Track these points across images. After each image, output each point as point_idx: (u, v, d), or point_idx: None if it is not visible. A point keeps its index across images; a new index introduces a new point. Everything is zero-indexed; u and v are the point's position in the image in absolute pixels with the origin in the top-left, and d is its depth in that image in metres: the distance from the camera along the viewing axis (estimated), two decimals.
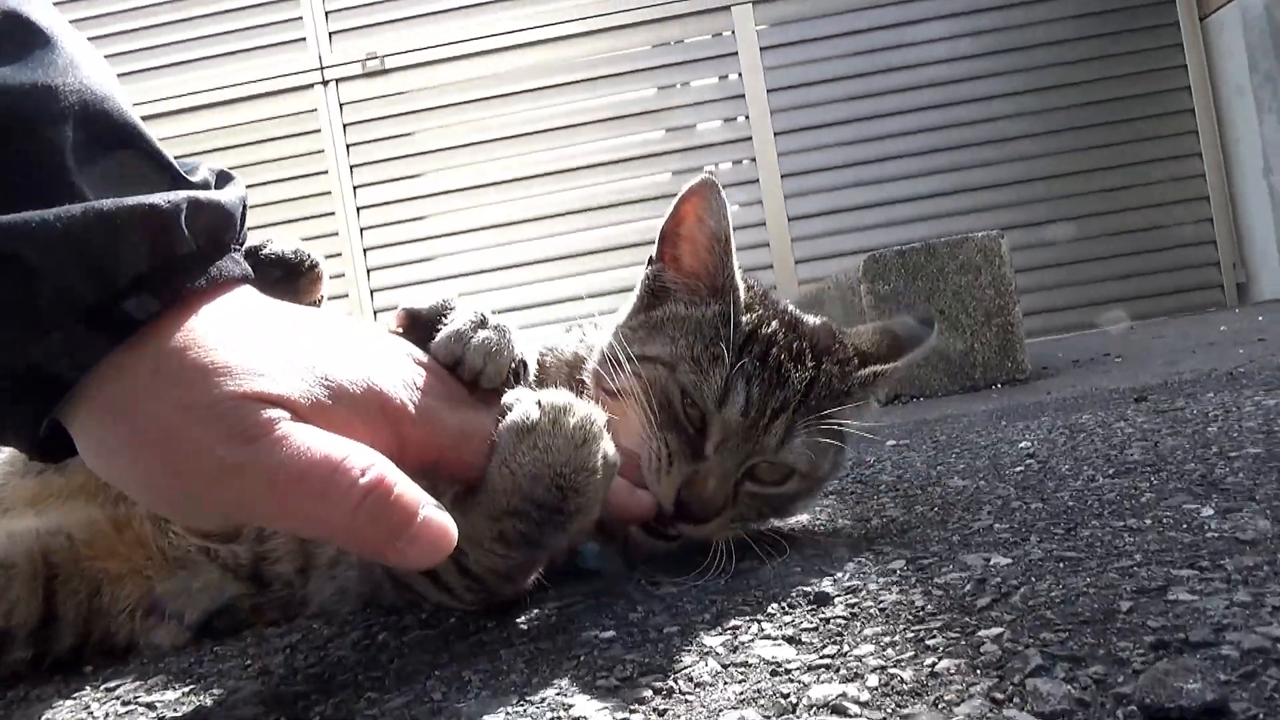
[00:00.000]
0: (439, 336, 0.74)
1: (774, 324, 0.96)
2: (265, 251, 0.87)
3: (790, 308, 1.03)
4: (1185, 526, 0.80)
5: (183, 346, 0.57)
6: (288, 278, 0.89)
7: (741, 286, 0.96)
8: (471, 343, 0.74)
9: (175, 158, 0.64)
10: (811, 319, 1.05)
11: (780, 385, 0.91)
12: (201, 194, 0.61)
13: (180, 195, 0.59)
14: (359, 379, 0.63)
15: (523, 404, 0.71)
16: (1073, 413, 1.73)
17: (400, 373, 0.67)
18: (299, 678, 0.76)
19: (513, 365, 0.76)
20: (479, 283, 5.20)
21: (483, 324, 0.76)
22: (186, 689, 0.78)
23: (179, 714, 0.72)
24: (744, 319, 0.95)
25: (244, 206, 0.67)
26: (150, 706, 0.75)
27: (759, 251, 5.13)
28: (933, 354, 1.04)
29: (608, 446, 0.72)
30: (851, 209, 5.14)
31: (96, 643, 0.93)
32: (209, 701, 0.74)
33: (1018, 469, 1.21)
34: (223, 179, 0.67)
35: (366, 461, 0.58)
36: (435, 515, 0.60)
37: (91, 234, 0.54)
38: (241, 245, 0.67)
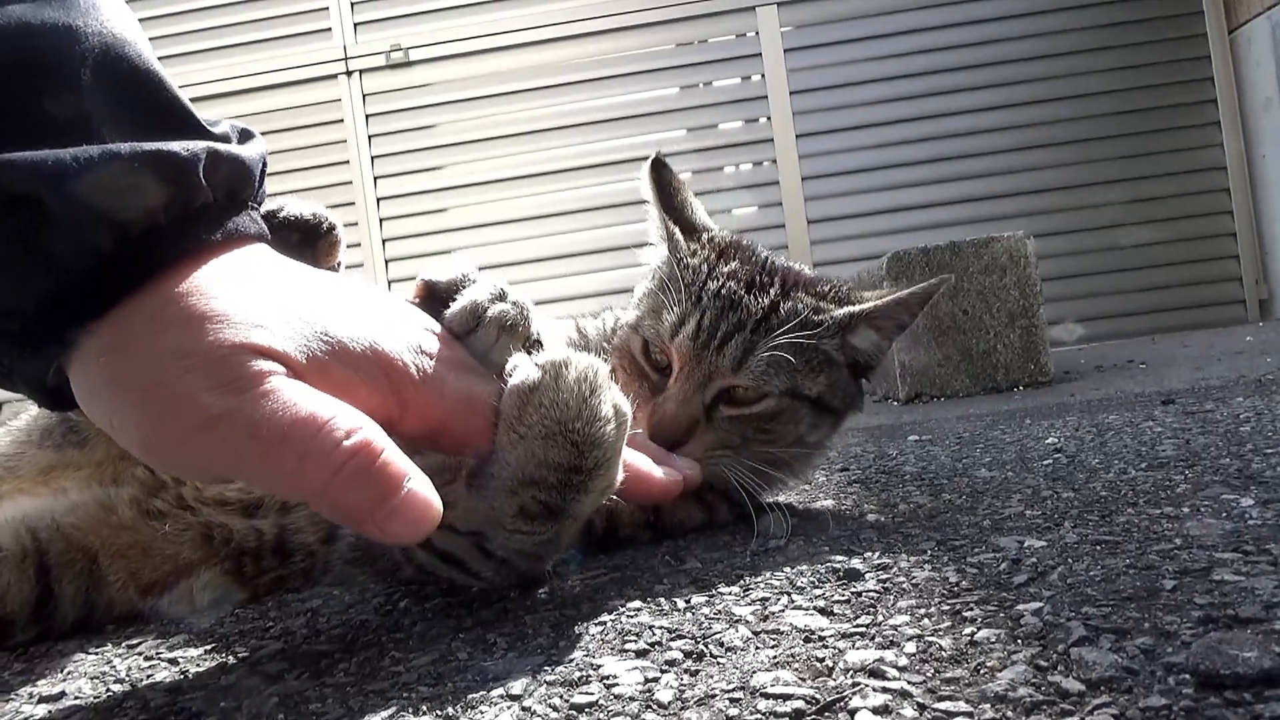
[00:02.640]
0: (454, 306, 0.72)
1: (734, 263, 1.03)
2: (283, 214, 0.85)
3: (765, 253, 1.10)
4: (1225, 515, 0.78)
5: (184, 293, 0.55)
6: (305, 241, 0.88)
7: (679, 233, 1.06)
8: (487, 314, 0.71)
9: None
10: (794, 265, 1.11)
11: (733, 309, 0.97)
12: (221, 146, 0.60)
13: (200, 145, 0.58)
14: (361, 338, 0.60)
15: (522, 367, 0.68)
16: (1099, 413, 1.71)
17: (407, 336, 0.65)
18: (322, 638, 0.76)
19: (528, 343, 0.73)
20: (499, 276, 5.19)
21: (501, 297, 0.74)
22: (208, 647, 0.78)
23: (202, 669, 0.71)
24: (694, 262, 1.03)
25: (264, 164, 0.66)
26: (173, 662, 0.74)
27: (777, 253, 5.10)
28: (927, 300, 1.01)
29: (616, 396, 0.69)
30: (872, 213, 5.10)
31: (101, 615, 0.91)
32: (231, 659, 0.73)
33: (1046, 462, 1.20)
34: (245, 136, 0.66)
35: (353, 424, 0.56)
36: (421, 489, 0.57)
37: (108, 177, 0.53)
38: (259, 204, 0.66)
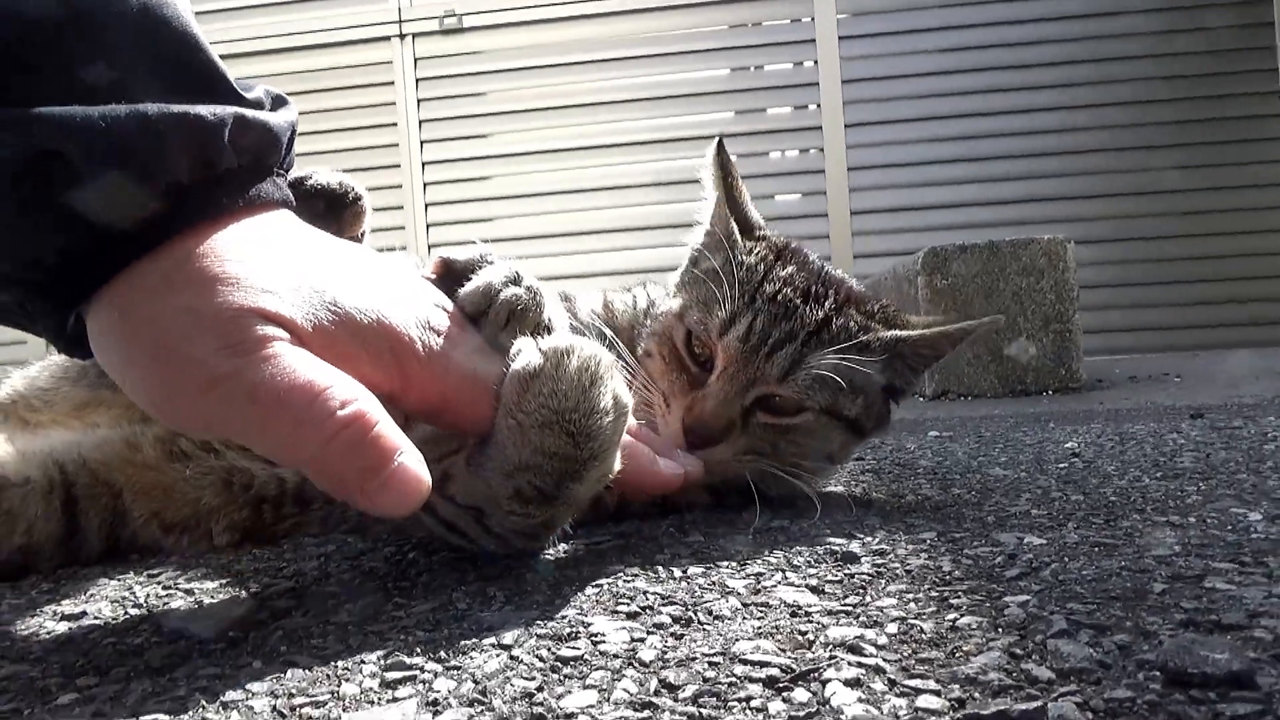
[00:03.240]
0: (467, 286, 0.73)
1: (790, 268, 1.01)
2: (310, 182, 0.87)
3: (821, 262, 1.08)
4: (1230, 527, 0.78)
5: (200, 255, 0.57)
6: (330, 210, 0.89)
7: (737, 232, 1.04)
8: (499, 297, 0.72)
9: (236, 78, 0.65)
10: (844, 276, 1.09)
11: (786, 318, 0.95)
12: (249, 112, 0.61)
13: (227, 110, 0.59)
14: (369, 310, 0.62)
15: (525, 352, 0.68)
16: (1124, 422, 1.70)
17: (416, 311, 0.66)
18: (331, 581, 0.78)
19: (538, 328, 0.74)
20: (537, 247, 5.23)
21: (515, 281, 0.74)
22: (224, 581, 0.81)
23: (215, 600, 0.74)
24: (750, 260, 1.01)
25: (293, 131, 0.67)
26: (189, 592, 0.78)
27: (818, 243, 5.07)
28: (968, 336, 1.01)
29: (618, 387, 0.69)
30: (918, 208, 5.05)
31: (125, 547, 0.95)
32: (243, 594, 0.76)
33: (1061, 465, 1.19)
34: (278, 102, 0.67)
35: (350, 394, 0.57)
36: (412, 464, 0.58)
37: (133, 137, 0.54)
38: (287, 171, 0.67)
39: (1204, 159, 4.83)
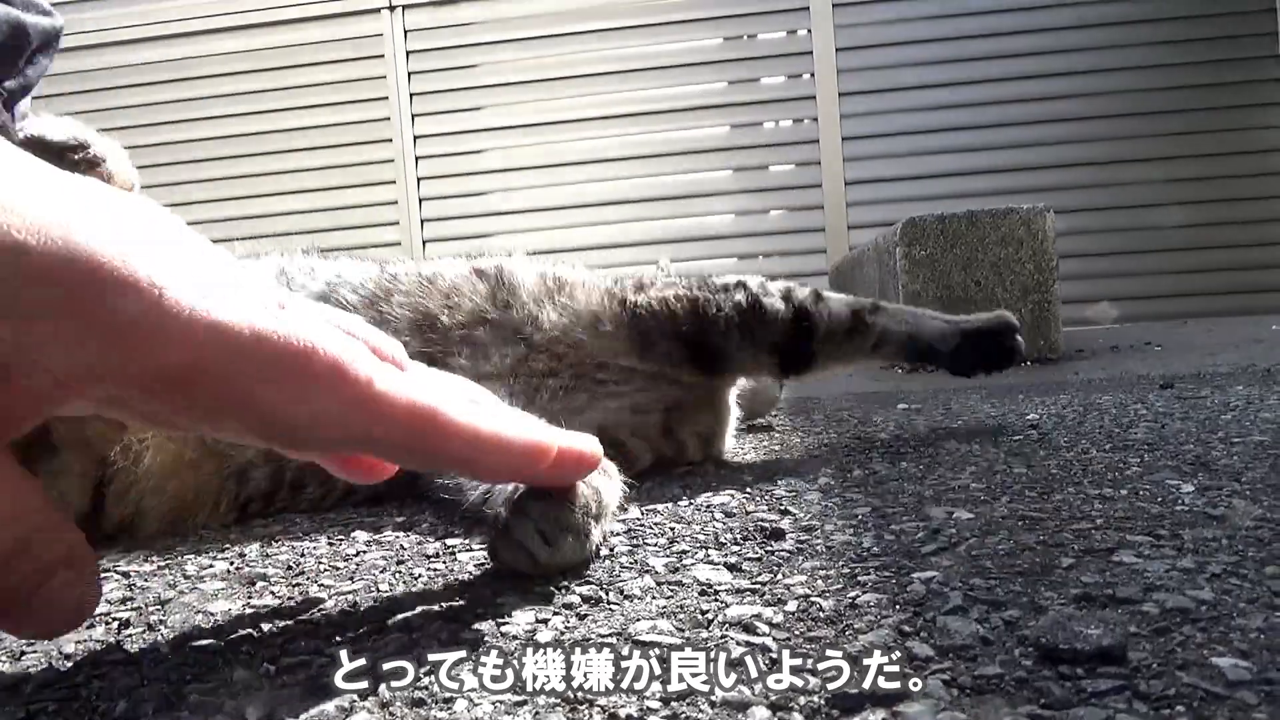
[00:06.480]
0: None
1: None
2: (26, 134, 0.77)
3: None
4: (1160, 500, 0.79)
5: None
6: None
7: None
8: None
9: None
10: None
11: None
12: None
13: None
14: None
15: None
16: (1093, 393, 1.70)
17: None
18: (268, 562, 0.79)
19: None
20: (531, 221, 5.22)
21: None
22: (163, 563, 0.82)
23: (148, 584, 0.75)
24: None
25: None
26: (125, 575, 0.78)
27: (812, 214, 5.05)
28: None
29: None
30: (913, 178, 5.00)
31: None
32: (180, 576, 0.77)
33: (1016, 438, 1.20)
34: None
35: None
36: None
37: None
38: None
39: (1199, 125, 4.78)
